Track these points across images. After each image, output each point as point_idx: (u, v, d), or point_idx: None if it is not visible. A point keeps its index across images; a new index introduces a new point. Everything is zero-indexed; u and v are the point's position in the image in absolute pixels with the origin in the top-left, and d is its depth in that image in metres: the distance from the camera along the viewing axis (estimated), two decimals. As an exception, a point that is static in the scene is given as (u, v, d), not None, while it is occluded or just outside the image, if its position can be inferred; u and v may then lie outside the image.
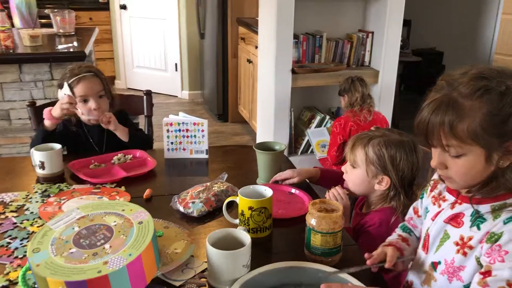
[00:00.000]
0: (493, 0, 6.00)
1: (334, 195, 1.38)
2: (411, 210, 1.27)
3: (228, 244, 1.04)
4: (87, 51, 2.76)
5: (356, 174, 1.41)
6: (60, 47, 2.81)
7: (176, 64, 5.40)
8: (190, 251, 1.11)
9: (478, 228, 0.98)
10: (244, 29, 4.15)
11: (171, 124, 1.69)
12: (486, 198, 0.98)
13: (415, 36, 5.60)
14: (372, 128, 1.65)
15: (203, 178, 1.58)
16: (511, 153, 0.92)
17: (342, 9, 3.39)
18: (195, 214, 1.30)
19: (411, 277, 1.17)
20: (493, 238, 0.94)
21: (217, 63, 4.50)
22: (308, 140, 3.34)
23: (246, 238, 1.04)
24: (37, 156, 1.50)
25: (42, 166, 1.50)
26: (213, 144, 4.09)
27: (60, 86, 1.81)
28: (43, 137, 1.72)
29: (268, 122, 3.37)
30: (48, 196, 1.41)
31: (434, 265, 1.08)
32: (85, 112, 1.80)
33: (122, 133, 1.81)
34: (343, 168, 1.46)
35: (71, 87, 1.77)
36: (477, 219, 0.99)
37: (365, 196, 1.47)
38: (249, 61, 3.98)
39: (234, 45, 4.40)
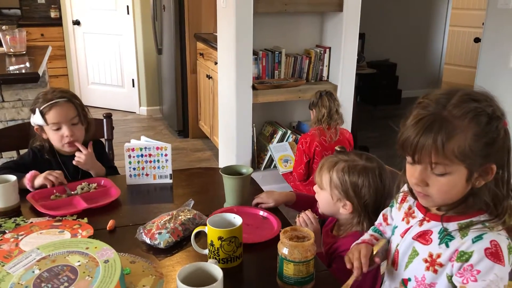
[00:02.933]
0: (441, 13, 6.27)
1: (304, 220, 1.37)
2: (380, 216, 1.29)
3: (199, 278, 1.01)
4: (40, 71, 2.66)
5: (323, 196, 1.42)
6: (11, 68, 2.69)
7: (133, 79, 5.30)
8: (160, 286, 1.07)
9: (447, 246, 1.01)
10: (202, 45, 4.12)
11: (133, 150, 1.64)
12: (455, 216, 1.01)
13: (369, 48, 5.75)
14: (337, 148, 1.67)
15: (168, 205, 1.54)
16: (487, 174, 0.96)
17: (299, 25, 3.44)
18: (162, 245, 1.26)
19: None
20: (463, 257, 0.97)
21: (176, 78, 4.45)
22: (270, 155, 3.35)
23: (218, 272, 1.01)
24: (-11, 189, 1.41)
25: (-4, 200, 1.42)
26: (174, 160, 4.02)
27: (33, 111, 1.73)
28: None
29: (230, 137, 3.35)
30: (4, 232, 1.33)
31: (405, 282, 1.10)
32: (57, 140, 1.73)
33: (98, 174, 1.74)
34: (314, 188, 1.47)
35: (43, 114, 1.69)
36: (446, 236, 1.02)
37: (334, 217, 1.48)
38: (209, 76, 3.96)
39: (192, 60, 4.36)
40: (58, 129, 1.72)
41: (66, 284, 0.93)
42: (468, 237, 0.98)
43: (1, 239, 1.29)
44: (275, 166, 3.37)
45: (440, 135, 0.92)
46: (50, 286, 0.93)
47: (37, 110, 1.70)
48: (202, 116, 4.39)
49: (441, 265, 1.02)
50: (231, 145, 3.34)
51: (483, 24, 3.78)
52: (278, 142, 3.34)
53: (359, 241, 1.22)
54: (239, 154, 3.28)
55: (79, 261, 0.99)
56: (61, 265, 0.98)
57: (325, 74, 3.49)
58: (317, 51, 3.43)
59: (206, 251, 1.20)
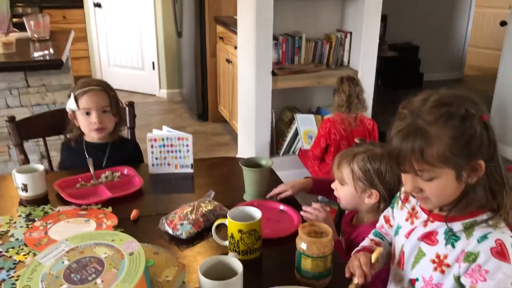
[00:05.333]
0: (466, -6, 6.10)
1: (311, 214, 1.37)
2: (381, 219, 1.31)
3: (220, 272, 1.05)
4: (64, 58, 2.70)
5: (345, 191, 1.43)
6: (35, 54, 2.74)
7: (153, 62, 5.33)
8: (182, 278, 1.11)
9: (453, 246, 1.03)
10: (222, 28, 4.12)
11: (155, 140, 1.68)
12: (458, 215, 1.04)
13: (391, 31, 5.65)
14: (356, 140, 1.68)
15: (190, 195, 1.57)
16: (477, 170, 0.98)
17: (320, 9, 3.40)
18: (184, 236, 1.30)
19: None
20: (470, 258, 0.99)
21: (196, 62, 4.47)
22: (295, 133, 3.34)
23: (238, 265, 1.04)
24: (19, 178, 1.47)
25: (25, 188, 1.47)
26: (194, 143, 4.06)
27: (69, 96, 1.79)
28: None
29: (249, 123, 3.37)
30: (33, 220, 1.39)
31: (412, 282, 1.13)
32: (85, 126, 1.78)
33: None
34: (333, 186, 1.48)
35: (76, 99, 1.75)
36: (451, 237, 1.04)
37: (356, 210, 1.50)
38: (228, 61, 3.97)
39: (212, 44, 4.37)
40: (88, 114, 1.76)
41: (93, 275, 0.98)
42: (474, 237, 1.00)
43: (31, 227, 1.35)
44: (294, 152, 3.39)
45: (417, 143, 0.95)
46: (79, 277, 0.98)
47: (72, 95, 1.76)
48: (222, 100, 4.41)
49: (448, 265, 1.04)
50: (250, 130, 3.37)
51: (510, 7, 3.68)
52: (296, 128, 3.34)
53: (359, 248, 1.23)
54: (258, 139, 3.30)
55: (105, 253, 1.03)
56: (89, 257, 1.03)
57: (345, 59, 3.46)
58: (338, 35, 3.40)
59: (227, 243, 1.24)
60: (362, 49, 3.32)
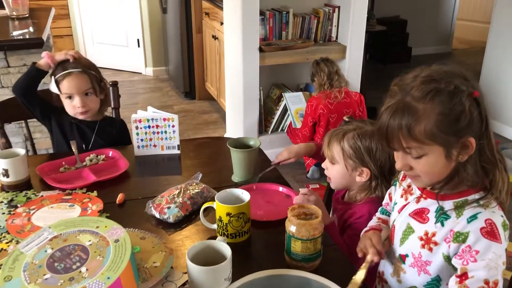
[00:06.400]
0: (455, -33, 6.03)
1: (302, 199, 1.35)
2: (386, 196, 1.30)
3: (208, 257, 1.03)
4: (44, 36, 2.62)
5: (336, 170, 1.41)
6: (15, 33, 2.65)
7: (138, 39, 5.22)
8: (170, 263, 1.09)
9: (442, 225, 1.03)
10: (208, 4, 4.03)
11: (140, 121, 1.64)
12: (449, 194, 1.03)
13: (379, 5, 5.59)
14: (345, 118, 1.66)
15: (177, 177, 1.55)
16: (467, 148, 0.97)
17: (307, -17, 3.33)
18: (171, 220, 1.27)
19: (382, 267, 1.22)
20: (459, 238, 0.99)
21: (181, 39, 4.38)
22: (277, 119, 3.33)
23: (227, 250, 1.02)
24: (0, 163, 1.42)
25: (6, 173, 1.43)
26: (181, 122, 4.02)
27: (50, 77, 1.74)
28: (34, 75, 1.71)
29: (237, 100, 3.33)
30: (16, 206, 1.35)
31: (402, 257, 1.13)
32: (70, 109, 1.75)
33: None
34: (323, 165, 1.46)
35: (57, 83, 1.70)
36: (442, 215, 1.03)
37: (348, 189, 1.48)
38: (215, 37, 3.89)
39: (198, 20, 4.27)
40: (71, 98, 1.72)
41: (78, 264, 0.95)
42: (463, 217, 1.00)
43: (14, 213, 1.31)
44: (282, 130, 3.36)
45: (404, 120, 0.94)
46: (62, 266, 0.95)
47: (53, 78, 1.71)
48: (209, 78, 4.34)
49: (436, 243, 1.03)
50: (238, 108, 3.32)
51: (498, -21, 3.64)
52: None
53: (367, 228, 1.24)
54: (246, 117, 3.27)
55: (90, 241, 1.01)
56: (73, 245, 1.00)
57: (333, 34, 3.41)
58: (326, 10, 3.34)
59: (215, 226, 1.22)
60: (351, 23, 3.27)
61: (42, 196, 1.41)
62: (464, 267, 0.97)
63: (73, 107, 1.73)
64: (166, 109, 4.25)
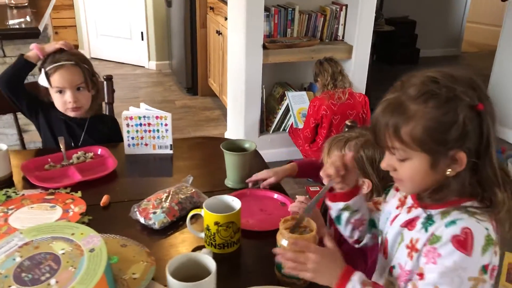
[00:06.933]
0: (467, -32, 5.90)
1: (298, 207, 1.26)
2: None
3: (191, 270, 0.95)
4: (41, 26, 2.54)
5: None
6: (11, 22, 2.57)
7: (142, 32, 5.14)
8: (150, 275, 1.01)
9: (426, 230, 0.95)
10: (213, -2, 3.94)
11: (131, 118, 1.56)
12: (435, 204, 0.95)
13: (388, 5, 5.48)
14: (348, 123, 1.57)
15: (167, 179, 1.47)
16: (456, 163, 0.88)
17: (315, -21, 3.24)
18: (156, 226, 1.19)
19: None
20: (433, 240, 0.91)
21: (185, 33, 4.29)
22: (279, 118, 3.25)
23: (211, 264, 0.94)
24: (-20, 159, 1.35)
25: (-14, 170, 1.36)
26: (182, 118, 3.95)
27: (40, 70, 1.65)
28: (21, 67, 1.63)
29: (238, 98, 3.24)
30: (-6, 205, 1.28)
31: (390, 270, 1.04)
32: (60, 104, 1.66)
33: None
34: (322, 174, 1.35)
35: (47, 75, 1.61)
36: (428, 221, 0.95)
37: None
38: (219, 32, 3.80)
39: (202, 14, 4.18)
40: (61, 92, 1.64)
41: (47, 274, 0.87)
42: (444, 221, 0.91)
43: (-9, 213, 1.24)
44: (284, 129, 3.28)
45: (393, 118, 0.88)
46: (30, 277, 0.87)
47: (42, 70, 1.62)
48: (212, 74, 4.26)
49: (416, 250, 0.95)
50: (239, 106, 3.24)
51: (512, -18, 3.53)
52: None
53: None
54: (248, 115, 3.18)
55: (63, 249, 0.93)
56: (44, 253, 0.92)
57: (340, 33, 3.32)
58: (333, 8, 3.25)
59: (203, 234, 1.14)
60: (358, 23, 3.18)
61: (23, 195, 1.33)
62: (422, 267, 0.91)
63: (63, 102, 1.64)
64: (167, 104, 4.17)
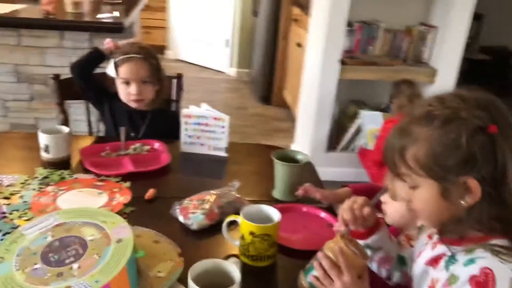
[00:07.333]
0: None
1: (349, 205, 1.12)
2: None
3: (215, 278, 0.90)
4: (127, 22, 2.65)
5: (399, 206, 1.16)
6: (100, 16, 2.71)
7: (227, 40, 5.24)
8: (175, 276, 0.98)
9: (447, 269, 0.84)
10: (298, 10, 3.92)
11: (190, 117, 1.55)
12: (457, 240, 0.84)
13: (487, 32, 5.13)
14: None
15: (217, 181, 1.43)
16: (468, 191, 0.77)
17: (404, -3, 3.10)
18: (194, 227, 1.16)
19: None
20: (452, 281, 0.80)
21: (267, 43, 4.32)
22: (350, 137, 3.13)
23: (236, 275, 0.89)
24: (42, 138, 1.41)
25: (46, 149, 1.41)
26: (253, 126, 3.95)
27: (110, 61, 1.73)
28: (94, 58, 1.71)
29: (309, 112, 3.18)
30: (47, 184, 1.32)
31: None
32: (124, 95, 1.72)
33: None
34: (383, 199, 1.19)
35: (116, 66, 1.68)
36: (450, 259, 0.84)
37: (402, 228, 1.26)
38: (299, 45, 3.77)
39: (286, 26, 4.18)
40: (127, 83, 1.68)
41: (72, 258, 0.87)
42: (464, 258, 0.80)
43: (42, 191, 1.28)
44: (353, 150, 3.15)
45: (399, 141, 0.83)
46: (56, 258, 0.87)
47: (112, 61, 1.68)
48: (288, 85, 4.23)
49: None
50: (309, 119, 3.17)
51: None
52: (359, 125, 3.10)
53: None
54: (316, 130, 3.11)
55: (92, 235, 0.92)
56: (74, 237, 0.92)
57: (425, 56, 3.14)
58: (421, 29, 3.09)
59: (238, 243, 1.09)
60: (446, 46, 2.99)
61: (75, 178, 1.37)
62: None
63: (127, 93, 1.69)
64: (240, 110, 4.20)
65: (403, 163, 0.83)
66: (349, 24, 2.96)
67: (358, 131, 3.11)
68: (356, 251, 0.91)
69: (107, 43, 1.71)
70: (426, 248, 0.93)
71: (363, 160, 3.03)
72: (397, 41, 3.09)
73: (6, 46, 2.65)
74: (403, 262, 1.05)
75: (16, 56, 2.67)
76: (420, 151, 0.80)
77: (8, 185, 1.30)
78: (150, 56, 1.70)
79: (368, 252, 0.99)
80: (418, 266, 0.94)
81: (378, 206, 1.27)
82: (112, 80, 1.72)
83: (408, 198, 0.86)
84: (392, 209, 1.21)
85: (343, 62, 2.94)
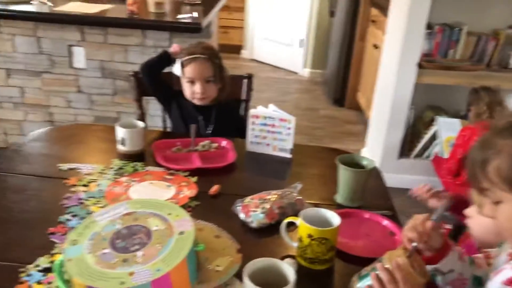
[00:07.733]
0: None
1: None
2: None
3: (270, 277, 0.92)
4: (205, 22, 2.74)
5: (485, 221, 1.10)
6: (179, 16, 2.83)
7: (302, 40, 5.23)
8: (233, 271, 1.01)
9: None
10: (376, 11, 3.83)
11: (257, 117, 1.58)
12: None
13: None
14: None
15: (280, 182, 1.44)
16: None
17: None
18: (254, 225, 1.19)
19: None
20: None
21: (342, 44, 4.26)
22: (424, 144, 3.01)
23: (291, 275, 0.90)
24: (119, 132, 1.50)
25: (123, 142, 1.50)
26: (323, 128, 3.92)
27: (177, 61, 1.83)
28: (163, 60, 1.82)
29: (383, 116, 3.10)
30: (121, 175, 1.41)
31: None
32: (188, 93, 1.81)
33: None
34: (467, 212, 1.15)
35: (182, 66, 1.78)
36: None
37: (490, 246, 1.18)
38: (376, 46, 3.68)
39: (363, 27, 4.10)
40: (192, 83, 1.76)
41: (137, 246, 0.93)
42: None
43: (117, 181, 1.37)
44: (427, 157, 3.03)
45: (481, 154, 0.81)
46: (123, 244, 0.93)
47: (178, 61, 1.77)
48: (362, 87, 4.15)
49: None
50: (382, 124, 3.09)
51: None
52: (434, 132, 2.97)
53: None
54: (389, 135, 3.02)
55: (157, 226, 0.97)
56: (140, 226, 0.98)
57: (512, 61, 2.94)
58: (510, 32, 2.89)
59: (295, 244, 1.09)
60: (538, 51, 2.78)
61: (147, 170, 1.45)
62: None
63: (192, 92, 1.79)
64: (311, 112, 4.18)
65: (485, 177, 0.81)
66: (429, 26, 2.84)
67: (433, 138, 2.99)
68: (417, 268, 0.89)
69: (173, 47, 1.81)
70: (506, 267, 0.88)
71: (437, 169, 2.90)
72: (481, 45, 2.92)
73: (94, 43, 2.85)
74: (479, 283, 1.00)
75: (102, 53, 2.86)
76: (503, 164, 0.78)
77: (86, 174, 1.40)
78: (214, 56, 1.78)
79: (439, 276, 0.96)
80: (495, 284, 0.88)
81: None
82: (177, 79, 1.81)
83: (492, 214, 0.84)
84: (480, 222, 1.14)
85: (420, 66, 2.84)
